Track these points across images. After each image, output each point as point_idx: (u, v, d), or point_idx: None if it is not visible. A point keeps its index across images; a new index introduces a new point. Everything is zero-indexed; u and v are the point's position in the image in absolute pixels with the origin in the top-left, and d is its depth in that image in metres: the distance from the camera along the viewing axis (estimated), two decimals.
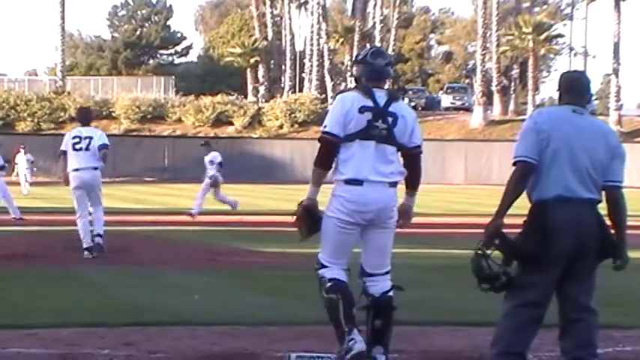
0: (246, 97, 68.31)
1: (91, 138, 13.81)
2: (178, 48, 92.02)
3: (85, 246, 13.55)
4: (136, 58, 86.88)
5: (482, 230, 5.68)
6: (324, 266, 6.50)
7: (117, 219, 21.41)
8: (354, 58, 6.68)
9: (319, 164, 6.47)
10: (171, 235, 18.09)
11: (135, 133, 58.43)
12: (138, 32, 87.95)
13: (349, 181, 6.37)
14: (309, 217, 6.48)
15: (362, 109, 6.34)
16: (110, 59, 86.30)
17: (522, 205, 5.74)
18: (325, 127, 6.38)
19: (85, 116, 14.85)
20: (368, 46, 66.12)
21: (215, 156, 23.51)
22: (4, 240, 15.25)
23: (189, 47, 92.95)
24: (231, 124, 61.45)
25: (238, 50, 71.81)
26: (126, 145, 52.49)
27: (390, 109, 6.42)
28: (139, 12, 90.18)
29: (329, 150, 6.39)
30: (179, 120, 61.61)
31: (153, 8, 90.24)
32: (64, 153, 13.84)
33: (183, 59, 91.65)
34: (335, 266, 6.48)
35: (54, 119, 60.03)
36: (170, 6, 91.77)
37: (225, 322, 8.59)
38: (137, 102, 61.52)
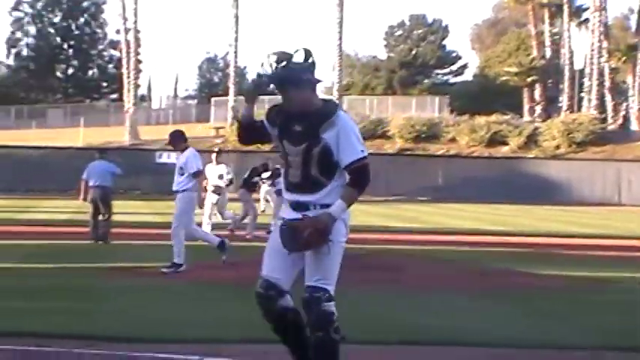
0: (521, 116, 67.21)
1: None
2: (453, 67, 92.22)
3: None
4: (411, 77, 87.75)
5: None
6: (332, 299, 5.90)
7: (389, 237, 21.51)
8: (310, 61, 5.78)
9: (364, 190, 5.88)
10: (438, 254, 17.88)
11: (409, 152, 58.77)
12: (413, 52, 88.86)
13: None
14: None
15: None
16: (386, 79, 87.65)
17: None
18: (364, 151, 5.80)
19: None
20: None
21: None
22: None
23: (464, 66, 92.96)
24: (506, 143, 60.58)
25: (515, 69, 70.87)
26: (400, 165, 52.88)
27: None
28: (414, 32, 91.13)
29: None
30: (453, 139, 61.44)
31: (429, 28, 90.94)
32: (201, 173, 14.07)
33: (458, 78, 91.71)
34: None
35: None
36: (446, 26, 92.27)
37: (496, 344, 8.29)
38: (411, 121, 61.89)
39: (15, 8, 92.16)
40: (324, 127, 5.73)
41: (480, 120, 61.56)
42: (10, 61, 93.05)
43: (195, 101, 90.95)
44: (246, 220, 21.23)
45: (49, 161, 50.50)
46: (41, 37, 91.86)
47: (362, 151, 5.76)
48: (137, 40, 65.41)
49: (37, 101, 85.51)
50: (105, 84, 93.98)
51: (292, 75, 5.71)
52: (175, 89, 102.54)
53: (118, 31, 76.51)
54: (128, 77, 65.34)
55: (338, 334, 5.75)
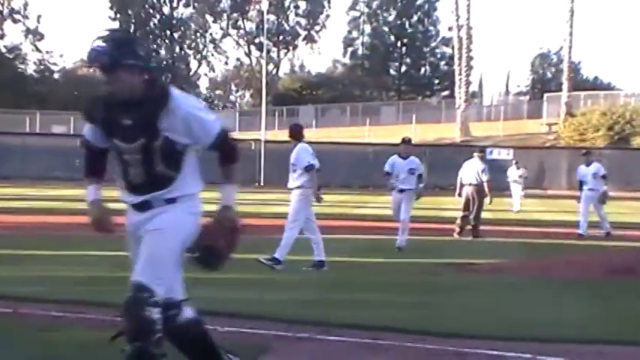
0: None
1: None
2: None
3: None
4: None
5: None
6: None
7: None
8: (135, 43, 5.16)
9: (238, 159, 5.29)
10: None
11: None
12: None
13: None
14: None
15: None
16: None
17: None
18: (217, 121, 5.19)
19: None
20: None
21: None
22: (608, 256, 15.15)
23: None
24: None
25: None
26: None
27: None
28: None
29: None
30: None
31: None
32: (313, 167, 13.29)
33: None
34: None
35: None
36: None
37: None
38: None
39: (352, 8, 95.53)
40: (162, 117, 4.97)
41: None
42: (346, 60, 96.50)
43: (527, 97, 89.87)
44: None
45: (382, 158, 51.84)
46: (376, 36, 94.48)
47: (217, 123, 5.13)
48: (469, 36, 65.68)
49: (371, 99, 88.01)
50: (436, 81, 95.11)
51: (123, 53, 4.93)
52: (507, 85, 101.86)
53: (450, 28, 77.17)
54: (460, 74, 65.76)
55: (159, 348, 4.92)
